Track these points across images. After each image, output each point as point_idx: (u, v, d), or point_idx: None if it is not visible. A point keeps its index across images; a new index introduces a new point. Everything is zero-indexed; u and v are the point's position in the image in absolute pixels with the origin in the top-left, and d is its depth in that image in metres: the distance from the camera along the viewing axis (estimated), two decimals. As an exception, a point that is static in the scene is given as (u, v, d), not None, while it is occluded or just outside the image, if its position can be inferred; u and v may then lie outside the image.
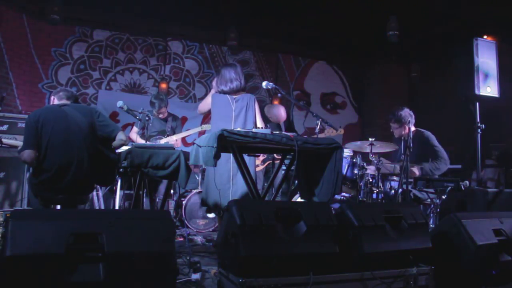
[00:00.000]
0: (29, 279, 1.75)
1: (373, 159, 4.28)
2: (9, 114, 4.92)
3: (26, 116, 3.69)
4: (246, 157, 3.38)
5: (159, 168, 3.36)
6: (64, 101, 3.38)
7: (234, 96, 3.66)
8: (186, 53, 7.59)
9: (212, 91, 3.82)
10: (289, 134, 2.94)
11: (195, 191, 4.83)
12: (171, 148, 3.51)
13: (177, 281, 2.39)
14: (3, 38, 6.16)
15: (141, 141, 4.74)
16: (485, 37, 4.41)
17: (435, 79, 7.65)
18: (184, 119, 6.86)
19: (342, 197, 4.55)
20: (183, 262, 2.83)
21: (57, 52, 6.78)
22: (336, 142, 3.00)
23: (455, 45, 5.57)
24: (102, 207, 4.60)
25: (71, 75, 6.83)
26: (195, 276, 2.62)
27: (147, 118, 3.83)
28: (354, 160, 4.50)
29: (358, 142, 4.43)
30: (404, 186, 3.79)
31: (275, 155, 4.53)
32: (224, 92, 3.66)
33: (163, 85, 7.17)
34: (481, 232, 2.57)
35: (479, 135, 4.06)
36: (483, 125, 4.06)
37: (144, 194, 3.74)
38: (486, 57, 4.16)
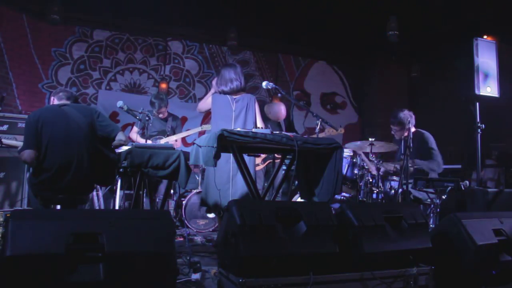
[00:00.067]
0: (29, 279, 1.75)
1: (373, 159, 4.29)
2: (9, 114, 4.91)
3: (26, 116, 3.69)
4: (246, 157, 3.38)
5: (159, 168, 3.36)
6: (64, 101, 3.38)
7: (235, 97, 3.66)
8: (186, 53, 7.59)
9: (212, 90, 3.82)
10: (289, 134, 2.94)
11: (195, 191, 4.83)
12: (171, 148, 3.51)
13: (177, 281, 2.39)
14: (3, 38, 6.16)
15: (141, 141, 4.74)
16: (485, 37, 4.41)
17: (435, 79, 7.65)
18: (184, 119, 6.86)
19: (342, 197, 4.56)
20: (183, 262, 2.83)
21: (57, 52, 6.77)
22: (336, 142, 3.00)
23: (455, 45, 5.56)
24: (102, 207, 4.60)
25: (71, 75, 6.83)
26: (195, 276, 2.62)
27: (147, 118, 3.83)
28: (354, 160, 4.50)
29: (358, 142, 4.43)
30: (404, 186, 3.80)
31: (275, 154, 4.53)
32: (224, 93, 3.66)
33: (163, 85, 7.17)
34: (481, 232, 2.57)
35: (479, 135, 4.06)
36: (483, 125, 4.06)
37: (144, 194, 3.74)
38: (486, 57, 4.16)
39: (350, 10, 6.32)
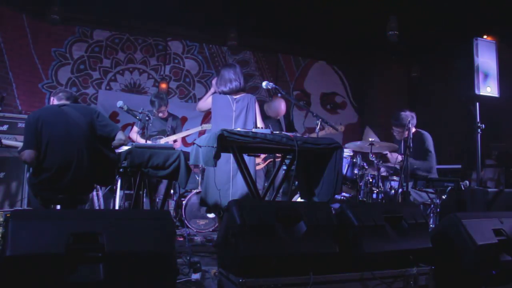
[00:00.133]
0: (29, 279, 1.75)
1: (373, 159, 4.29)
2: (9, 114, 4.91)
3: (26, 116, 3.69)
4: (246, 157, 3.39)
5: (159, 168, 3.36)
6: (63, 102, 3.38)
7: (235, 97, 3.67)
8: (186, 53, 7.59)
9: (212, 90, 3.83)
10: (289, 134, 2.94)
11: (195, 191, 4.83)
12: (171, 148, 3.51)
13: (177, 281, 2.39)
14: (3, 38, 6.16)
15: (141, 141, 4.74)
16: (485, 37, 4.41)
17: (435, 79, 7.65)
18: (184, 119, 6.86)
19: (342, 197, 4.55)
20: (183, 262, 2.83)
21: (57, 52, 6.77)
22: (336, 142, 3.00)
23: (455, 45, 5.56)
24: (102, 207, 4.60)
25: (71, 75, 6.83)
26: (195, 276, 2.62)
27: (147, 118, 3.83)
28: (354, 160, 4.50)
29: (358, 142, 4.43)
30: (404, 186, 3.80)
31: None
32: (224, 93, 3.67)
33: (163, 85, 7.17)
34: (481, 232, 2.57)
35: (479, 135, 4.06)
36: (483, 125, 4.06)
37: (144, 194, 3.74)
38: (486, 57, 4.16)
39: (350, 10, 6.32)
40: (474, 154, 4.10)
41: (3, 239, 1.81)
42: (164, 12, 6.54)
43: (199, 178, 4.87)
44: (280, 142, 2.83)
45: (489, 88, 4.12)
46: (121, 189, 4.17)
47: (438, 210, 3.92)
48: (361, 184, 4.36)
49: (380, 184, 4.33)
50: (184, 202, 4.78)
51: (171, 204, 5.19)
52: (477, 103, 4.13)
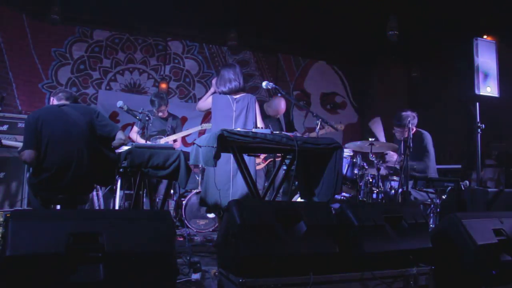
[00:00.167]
0: (29, 279, 1.75)
1: (373, 159, 4.28)
2: (9, 114, 4.92)
3: (26, 116, 3.70)
4: (246, 157, 3.38)
5: (159, 168, 3.36)
6: (63, 102, 3.38)
7: (235, 97, 3.67)
8: (186, 53, 7.59)
9: (212, 89, 3.83)
10: (289, 134, 2.94)
11: (195, 191, 4.83)
12: (171, 148, 3.52)
13: (177, 281, 2.39)
14: (3, 38, 6.16)
15: (141, 141, 4.74)
16: (485, 37, 4.41)
17: (435, 79, 7.65)
18: (184, 119, 6.85)
19: (342, 197, 4.55)
20: (183, 262, 2.83)
21: (57, 52, 6.77)
22: (336, 142, 3.00)
23: (455, 45, 5.56)
24: (102, 207, 4.60)
25: (71, 75, 6.83)
26: (195, 276, 2.62)
27: (147, 118, 3.83)
28: (354, 160, 4.50)
29: (358, 142, 4.43)
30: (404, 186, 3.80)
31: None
32: (224, 93, 3.67)
33: (163, 85, 7.17)
34: (481, 232, 2.57)
35: (479, 135, 4.06)
36: (483, 125, 4.06)
37: (144, 194, 3.74)
38: (486, 57, 4.16)
39: (350, 10, 6.31)
40: (474, 154, 4.10)
41: (3, 239, 1.81)
42: (164, 12, 6.54)
43: (199, 178, 4.87)
44: (280, 142, 2.83)
45: (489, 88, 4.12)
46: (121, 189, 4.18)
47: (438, 210, 3.91)
48: (361, 184, 4.36)
49: (380, 184, 4.33)
50: (184, 202, 4.78)
51: (171, 204, 5.19)
52: (477, 103, 4.13)
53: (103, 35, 7.07)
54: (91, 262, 1.87)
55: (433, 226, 3.76)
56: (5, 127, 4.58)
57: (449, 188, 3.96)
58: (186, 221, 4.70)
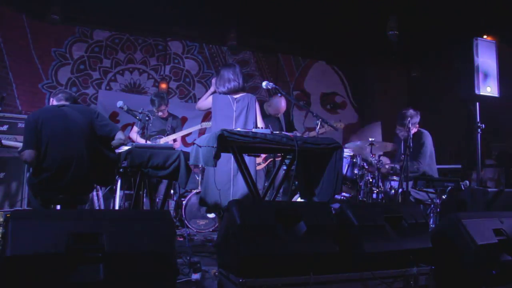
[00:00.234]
0: (29, 279, 1.75)
1: (373, 159, 4.28)
2: (9, 114, 4.92)
3: (26, 116, 3.70)
4: (246, 157, 3.38)
5: (159, 168, 3.36)
6: (63, 102, 3.38)
7: (235, 96, 3.66)
8: (186, 53, 7.59)
9: (212, 89, 3.82)
10: (289, 134, 2.94)
11: (195, 191, 4.83)
12: (171, 148, 3.52)
13: (177, 281, 2.39)
14: (3, 38, 6.16)
15: (141, 141, 4.74)
16: (485, 37, 4.41)
17: (435, 79, 7.65)
18: (184, 119, 6.85)
19: (342, 197, 4.55)
20: (183, 262, 2.83)
21: (57, 52, 6.77)
22: (336, 142, 3.00)
23: (455, 45, 5.56)
24: (102, 207, 4.60)
25: (71, 75, 6.83)
26: (195, 276, 2.62)
27: (147, 118, 3.83)
28: (354, 160, 4.50)
29: (358, 142, 4.43)
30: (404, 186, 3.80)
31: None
32: (224, 93, 3.66)
33: (163, 85, 7.17)
34: (481, 232, 2.57)
35: (479, 135, 4.06)
36: (483, 125, 4.06)
37: (144, 194, 3.74)
38: (486, 57, 4.16)
39: (350, 10, 6.31)
40: (474, 154, 4.10)
41: (3, 239, 1.81)
42: (164, 12, 6.55)
43: (199, 178, 4.87)
44: (280, 142, 2.83)
45: (489, 88, 4.12)
46: (121, 189, 4.17)
47: (438, 210, 3.91)
48: (361, 184, 4.36)
49: (380, 184, 4.33)
50: (184, 202, 4.78)
51: (171, 204, 5.19)
52: (477, 103, 4.13)
53: (103, 35, 7.07)
54: (91, 262, 1.87)
55: (433, 226, 3.76)
56: (5, 127, 4.58)
57: (449, 188, 3.96)
58: (186, 221, 4.70)
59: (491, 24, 5.82)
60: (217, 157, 2.66)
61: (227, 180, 3.48)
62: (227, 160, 3.43)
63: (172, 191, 5.10)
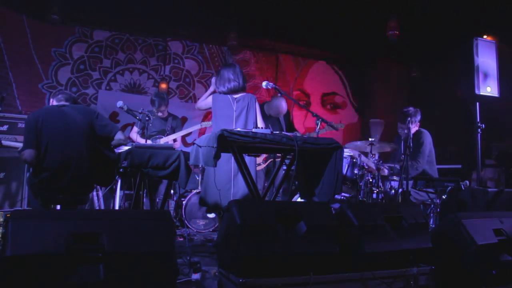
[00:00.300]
0: (29, 279, 1.75)
1: (373, 159, 4.28)
2: (9, 114, 4.91)
3: (26, 117, 3.70)
4: (246, 157, 3.38)
5: (159, 168, 3.36)
6: (63, 103, 3.39)
7: (235, 96, 3.66)
8: (186, 53, 7.59)
9: (211, 88, 3.82)
10: (289, 134, 2.94)
11: (195, 191, 4.83)
12: (171, 148, 3.52)
13: (177, 281, 2.39)
14: (3, 38, 6.16)
15: (141, 141, 4.74)
16: (485, 37, 4.41)
17: (435, 79, 7.65)
18: (184, 119, 6.86)
19: (342, 197, 4.55)
20: (183, 262, 2.83)
21: (57, 52, 6.77)
22: (336, 142, 3.00)
23: (455, 45, 5.56)
24: (102, 207, 4.60)
25: (71, 75, 6.83)
26: (195, 276, 2.62)
27: (147, 118, 3.83)
28: (354, 160, 4.49)
29: (358, 142, 4.42)
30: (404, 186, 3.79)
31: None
32: (224, 93, 3.66)
33: (163, 85, 7.17)
34: (481, 232, 2.57)
35: (479, 135, 4.06)
36: (483, 125, 4.05)
37: (144, 194, 3.74)
38: (486, 57, 4.16)
39: (350, 10, 6.32)
40: (474, 154, 4.10)
41: (3, 239, 1.81)
42: (164, 12, 6.55)
43: (199, 178, 4.87)
44: (280, 142, 2.83)
45: (489, 88, 4.12)
46: (121, 189, 4.17)
47: (438, 210, 3.91)
48: (361, 184, 4.36)
49: (380, 184, 4.32)
50: (184, 202, 4.78)
51: (171, 204, 5.19)
52: (477, 103, 4.13)
53: (103, 35, 7.07)
54: (91, 262, 1.87)
55: (433, 226, 3.76)
56: (5, 127, 4.58)
57: (449, 188, 3.95)
58: (186, 221, 4.70)
59: (491, 24, 5.82)
60: (217, 157, 2.66)
61: (227, 180, 3.48)
62: (227, 160, 3.43)
63: (172, 191, 5.10)
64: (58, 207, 3.31)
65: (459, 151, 6.73)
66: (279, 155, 4.01)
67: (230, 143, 2.78)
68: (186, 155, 3.32)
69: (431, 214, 3.96)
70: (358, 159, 4.16)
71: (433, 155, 4.40)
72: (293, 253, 2.19)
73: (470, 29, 5.32)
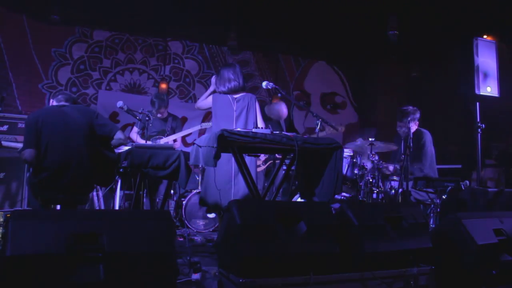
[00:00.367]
0: (29, 279, 1.75)
1: (373, 159, 4.28)
2: (9, 114, 4.91)
3: (26, 117, 3.70)
4: (246, 157, 3.38)
5: (159, 168, 3.36)
6: (63, 103, 3.39)
7: (235, 96, 3.66)
8: (186, 53, 7.59)
9: (211, 88, 3.82)
10: (289, 134, 2.94)
11: (195, 191, 4.83)
12: (171, 148, 3.52)
13: (178, 281, 2.39)
14: (3, 38, 6.17)
15: (141, 141, 4.74)
16: (485, 37, 4.41)
17: (435, 79, 7.65)
18: (184, 119, 6.86)
19: (342, 197, 4.55)
20: (183, 262, 2.83)
21: (57, 52, 6.77)
22: (336, 142, 3.00)
23: (455, 45, 5.56)
24: (102, 207, 4.60)
25: (71, 75, 6.83)
26: (195, 276, 2.62)
27: (147, 118, 3.83)
28: (354, 160, 4.49)
29: (358, 142, 4.42)
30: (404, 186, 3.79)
31: (276, 155, 4.53)
32: (224, 93, 3.66)
33: (163, 85, 7.17)
34: (481, 232, 2.57)
35: (479, 135, 4.06)
36: (483, 125, 4.05)
37: (144, 194, 3.74)
38: (486, 56, 4.16)
39: (350, 10, 6.32)
40: (474, 154, 4.10)
41: (3, 239, 1.81)
42: (164, 12, 6.54)
43: (199, 178, 4.87)
44: (280, 142, 2.83)
45: (489, 88, 4.12)
46: (121, 189, 4.17)
47: (438, 210, 3.91)
48: (361, 184, 4.36)
49: (380, 184, 4.32)
50: (184, 202, 4.78)
51: (171, 204, 5.19)
52: (477, 103, 4.13)
53: (103, 35, 7.07)
54: (91, 262, 1.87)
55: (433, 226, 3.76)
56: (5, 128, 4.58)
57: (449, 188, 3.95)
58: (186, 221, 4.70)
59: (491, 24, 5.82)
60: (217, 157, 2.66)
61: (227, 180, 3.48)
62: (228, 160, 3.43)
63: (172, 191, 5.10)
64: (58, 207, 3.31)
65: (459, 151, 6.73)
66: (279, 156, 4.01)
67: (230, 143, 2.78)
68: (186, 155, 3.32)
69: (431, 214, 3.96)
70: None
71: (433, 155, 4.40)
72: (293, 253, 2.19)
73: (470, 29, 5.32)
